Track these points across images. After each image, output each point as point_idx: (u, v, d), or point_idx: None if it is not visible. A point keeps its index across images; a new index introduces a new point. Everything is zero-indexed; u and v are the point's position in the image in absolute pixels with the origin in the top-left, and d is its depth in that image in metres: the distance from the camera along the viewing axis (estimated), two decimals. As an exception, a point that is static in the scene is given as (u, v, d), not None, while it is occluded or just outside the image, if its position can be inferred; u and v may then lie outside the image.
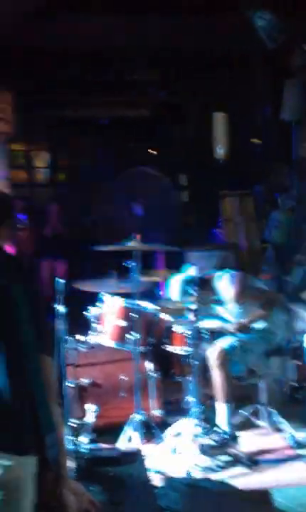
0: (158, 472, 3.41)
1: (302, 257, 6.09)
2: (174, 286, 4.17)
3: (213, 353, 3.91)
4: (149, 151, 8.29)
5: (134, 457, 2.84)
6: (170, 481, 3.21)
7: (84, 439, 3.59)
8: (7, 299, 1.79)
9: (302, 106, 6.43)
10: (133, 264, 3.93)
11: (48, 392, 1.81)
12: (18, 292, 1.82)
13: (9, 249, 2.04)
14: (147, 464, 3.29)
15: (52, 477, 1.77)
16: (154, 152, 8.28)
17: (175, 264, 5.17)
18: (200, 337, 3.97)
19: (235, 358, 3.94)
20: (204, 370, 3.93)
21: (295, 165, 6.91)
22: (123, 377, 4.07)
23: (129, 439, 3.75)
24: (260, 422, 4.14)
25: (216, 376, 3.88)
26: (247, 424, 4.10)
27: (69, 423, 3.56)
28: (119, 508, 2.46)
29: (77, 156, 9.20)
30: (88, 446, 3.44)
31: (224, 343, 3.97)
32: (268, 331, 4.11)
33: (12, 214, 2.11)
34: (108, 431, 3.85)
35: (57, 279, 3.68)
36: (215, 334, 4.10)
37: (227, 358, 3.89)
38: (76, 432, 3.70)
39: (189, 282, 4.06)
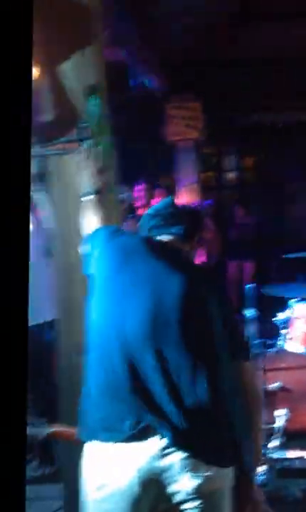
0: None
1: None
2: None
3: None
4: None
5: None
6: None
7: (274, 445, 3.58)
8: (204, 312, 1.82)
9: None
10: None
11: (250, 399, 1.84)
12: (214, 304, 1.85)
13: (200, 256, 2.13)
14: None
15: (246, 485, 1.79)
16: None
17: None
18: None
19: None
20: None
21: None
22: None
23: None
24: None
25: None
26: None
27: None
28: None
29: (265, 158, 9.16)
30: (278, 454, 3.42)
31: None
32: None
33: (202, 228, 2.19)
34: (298, 437, 3.80)
35: (247, 284, 3.72)
36: None
37: None
38: (266, 437, 3.70)
39: None
